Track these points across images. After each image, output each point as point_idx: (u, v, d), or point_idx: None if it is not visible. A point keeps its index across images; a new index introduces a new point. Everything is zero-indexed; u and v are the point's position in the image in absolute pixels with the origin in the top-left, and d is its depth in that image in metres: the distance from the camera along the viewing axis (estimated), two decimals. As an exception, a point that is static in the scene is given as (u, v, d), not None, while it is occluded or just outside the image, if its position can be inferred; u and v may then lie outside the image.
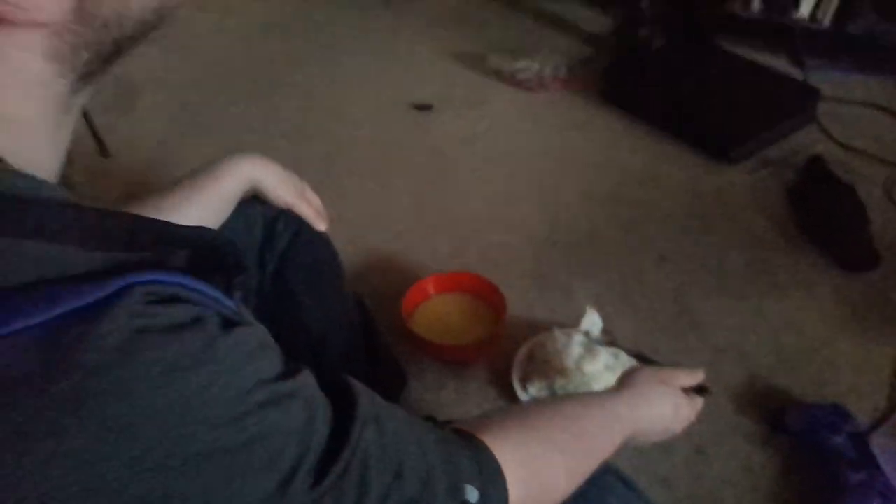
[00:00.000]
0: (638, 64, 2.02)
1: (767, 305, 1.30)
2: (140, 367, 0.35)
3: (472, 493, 0.51)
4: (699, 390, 0.85)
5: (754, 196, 1.56)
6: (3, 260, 0.35)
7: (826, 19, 1.99)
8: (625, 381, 0.79)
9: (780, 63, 1.97)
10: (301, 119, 1.88)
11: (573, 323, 1.20)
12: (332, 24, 2.32)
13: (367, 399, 0.48)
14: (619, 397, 0.73)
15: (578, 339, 1.19)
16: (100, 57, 0.41)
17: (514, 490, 0.55)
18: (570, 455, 0.63)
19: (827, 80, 1.89)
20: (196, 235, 0.41)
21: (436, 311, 1.32)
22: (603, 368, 1.16)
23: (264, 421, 0.39)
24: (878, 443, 1.05)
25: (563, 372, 1.16)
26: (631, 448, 0.73)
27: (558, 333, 1.21)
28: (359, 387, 0.49)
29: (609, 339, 1.14)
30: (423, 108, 1.91)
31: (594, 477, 0.74)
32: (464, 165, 1.73)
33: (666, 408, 0.76)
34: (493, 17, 2.35)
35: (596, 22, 2.28)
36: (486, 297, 1.32)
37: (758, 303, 1.31)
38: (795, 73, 1.93)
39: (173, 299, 0.37)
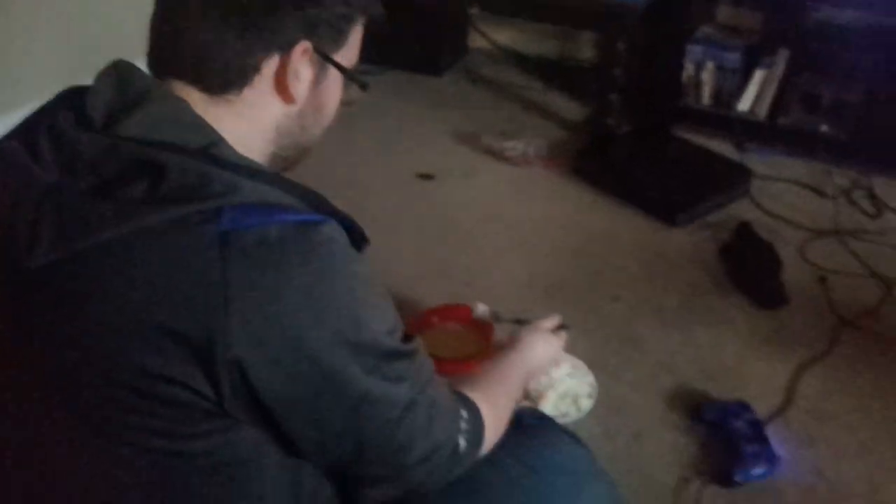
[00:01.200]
0: (606, 146, 2.39)
1: (697, 334, 1.65)
2: (342, 256, 0.67)
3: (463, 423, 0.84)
4: (561, 328, 1.22)
5: (694, 252, 1.92)
6: (248, 190, 0.64)
7: (762, 113, 2.39)
8: (511, 340, 1.14)
9: (724, 147, 2.36)
10: (319, 185, 2.23)
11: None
12: (348, 104, 2.71)
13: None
14: (516, 354, 1.09)
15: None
16: (289, 150, 0.79)
17: (488, 431, 0.89)
18: (507, 401, 0.98)
19: (762, 162, 2.28)
20: (350, 218, 0.71)
21: (437, 335, 1.65)
22: (565, 375, 1.50)
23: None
24: (773, 430, 1.39)
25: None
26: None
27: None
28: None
29: (494, 315, 1.49)
30: (427, 177, 2.28)
31: (552, 432, 1.09)
32: (461, 226, 2.07)
33: (542, 347, 1.14)
34: (486, 103, 2.75)
35: (573, 110, 2.69)
36: (478, 325, 1.64)
37: (689, 332, 1.66)
38: (736, 155, 2.33)
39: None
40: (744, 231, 1.94)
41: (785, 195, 2.15)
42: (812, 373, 1.54)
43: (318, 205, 0.70)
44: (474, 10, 2.55)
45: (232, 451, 0.67)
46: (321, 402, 0.67)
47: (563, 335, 1.21)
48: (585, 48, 3.00)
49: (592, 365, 1.53)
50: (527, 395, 1.46)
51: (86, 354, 0.64)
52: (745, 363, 1.58)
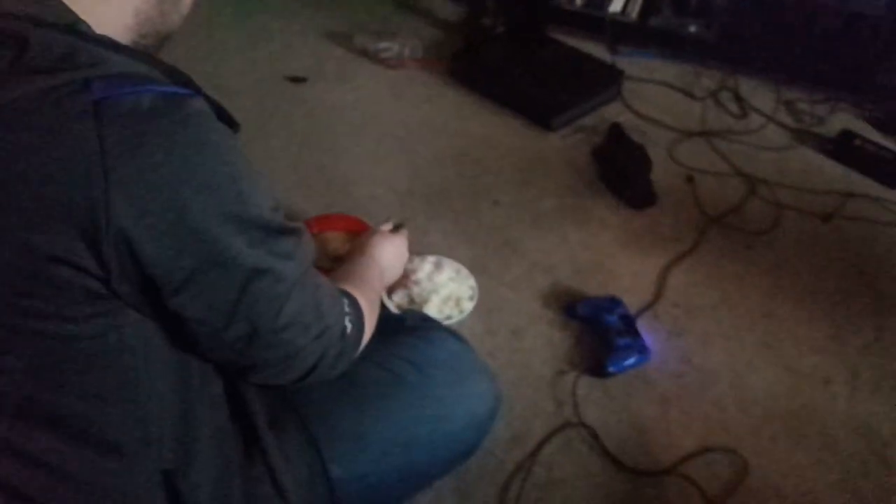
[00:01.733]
0: (482, 48, 2.36)
1: (570, 234, 1.69)
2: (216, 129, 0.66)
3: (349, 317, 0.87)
4: (397, 228, 1.32)
5: (568, 156, 1.94)
6: (116, 62, 0.63)
7: (634, 14, 2.40)
8: (360, 247, 1.21)
9: (597, 49, 2.38)
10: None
11: (426, 251, 1.54)
12: (208, 2, 2.52)
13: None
14: (367, 257, 1.17)
15: (429, 259, 1.53)
16: (149, 38, 0.75)
17: (367, 320, 0.92)
18: (373, 296, 1.03)
19: (633, 64, 2.31)
20: (218, 102, 0.70)
21: (318, 245, 1.61)
22: (447, 279, 1.50)
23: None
24: (643, 323, 1.45)
25: (417, 283, 1.49)
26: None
27: (415, 257, 1.54)
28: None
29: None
30: (298, 80, 2.17)
31: (434, 331, 1.11)
32: (335, 131, 2.00)
33: (389, 247, 1.22)
34: (358, 3, 2.63)
35: (447, 10, 2.61)
36: (359, 233, 1.61)
37: (563, 233, 1.69)
38: (608, 57, 2.35)
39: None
40: (615, 133, 1.98)
41: (655, 97, 2.20)
42: (680, 268, 1.61)
43: (186, 82, 0.68)
44: None
45: (118, 336, 0.66)
46: (209, 277, 0.67)
47: (405, 231, 1.31)
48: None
49: (473, 268, 1.54)
50: (411, 300, 1.47)
51: None
52: (616, 261, 1.63)
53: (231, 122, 0.71)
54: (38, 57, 0.60)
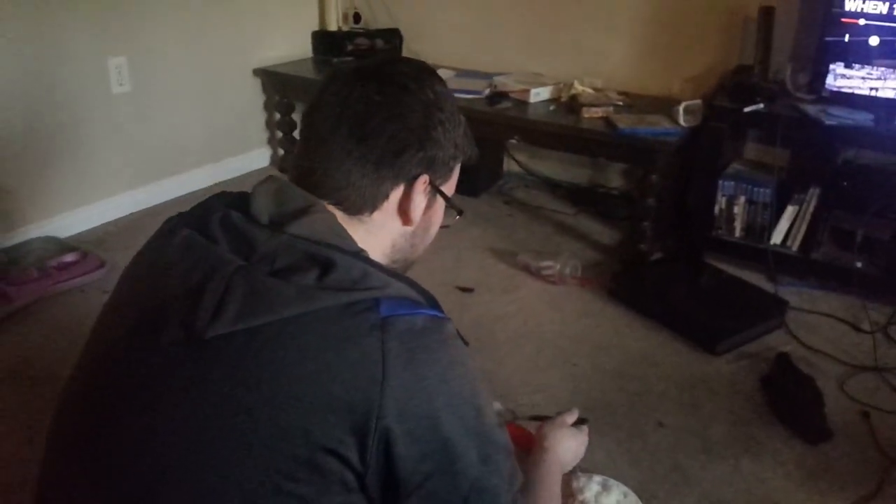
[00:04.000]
0: (639, 271, 2.47)
1: (743, 465, 1.63)
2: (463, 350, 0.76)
3: None
4: (581, 422, 1.27)
5: (734, 382, 1.93)
6: (396, 287, 0.76)
7: (794, 246, 2.46)
8: (538, 437, 1.19)
9: (756, 278, 2.42)
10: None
11: (590, 468, 1.54)
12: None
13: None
14: (550, 455, 1.14)
15: (596, 478, 1.52)
16: (399, 262, 0.91)
17: None
18: None
19: (795, 294, 2.33)
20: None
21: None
22: (615, 503, 1.48)
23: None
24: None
25: (584, 503, 1.48)
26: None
27: (581, 474, 1.54)
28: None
29: (511, 413, 1.46)
30: (466, 290, 2.33)
31: None
32: (498, 338, 2.11)
33: (569, 442, 1.20)
34: (521, 224, 2.85)
35: (604, 234, 2.78)
36: (524, 443, 1.63)
37: (735, 463, 1.64)
38: (769, 286, 2.38)
39: None
40: (783, 363, 1.96)
41: (821, 328, 2.18)
42: (864, 512, 1.52)
43: (436, 304, 0.81)
44: (514, 140, 2.67)
45: None
46: (439, 484, 0.73)
47: (585, 429, 1.27)
48: (614, 176, 3.13)
49: (640, 493, 1.50)
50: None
51: (255, 420, 0.69)
52: (792, 498, 1.55)
53: (464, 341, 0.82)
54: (339, 277, 0.73)
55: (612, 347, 2.08)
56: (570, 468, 1.23)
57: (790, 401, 1.81)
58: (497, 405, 1.56)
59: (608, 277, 2.40)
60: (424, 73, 0.89)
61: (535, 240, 2.71)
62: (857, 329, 2.17)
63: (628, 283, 2.36)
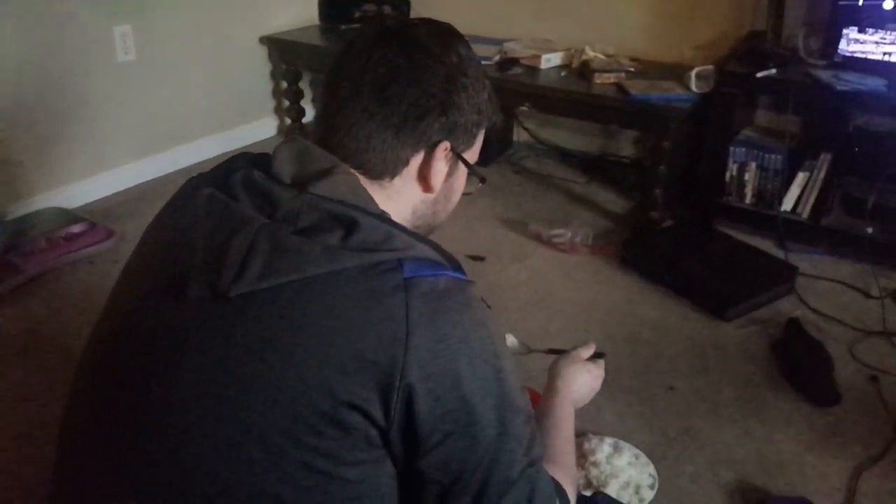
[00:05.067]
0: (650, 238, 2.47)
1: (752, 427, 1.66)
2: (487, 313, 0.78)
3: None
4: (597, 356, 1.21)
5: (744, 347, 1.95)
6: (420, 249, 0.76)
7: (805, 213, 2.46)
8: (552, 373, 1.15)
9: (766, 244, 2.43)
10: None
11: (602, 431, 1.57)
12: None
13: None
14: (562, 395, 1.11)
15: (608, 440, 1.55)
16: (421, 229, 0.90)
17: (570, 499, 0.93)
18: (571, 450, 1.04)
19: (805, 260, 2.33)
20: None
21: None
22: (626, 464, 1.50)
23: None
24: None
25: (596, 465, 1.50)
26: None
27: (593, 437, 1.57)
28: None
29: (525, 347, 1.41)
30: (477, 259, 2.35)
31: None
32: (509, 306, 2.12)
33: (584, 377, 1.15)
34: (531, 193, 2.85)
35: (615, 203, 2.78)
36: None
37: (745, 426, 1.66)
38: (779, 253, 2.38)
39: None
40: (794, 328, 1.97)
41: (830, 294, 2.19)
42: (872, 472, 1.54)
43: (459, 267, 0.81)
44: (524, 108, 2.65)
45: (375, 483, 0.73)
46: (458, 444, 0.74)
47: (601, 363, 1.21)
48: (625, 144, 3.12)
49: (651, 455, 1.54)
50: (588, 482, 1.47)
51: (280, 375, 0.70)
52: (802, 459, 1.57)
53: (486, 304, 0.82)
54: (364, 237, 0.73)
55: (624, 314, 2.09)
56: (583, 403, 1.17)
57: (800, 365, 1.82)
58: (511, 339, 1.52)
59: (619, 245, 2.41)
60: (449, 35, 0.88)
61: (546, 209, 2.71)
62: (867, 295, 2.18)
63: (639, 250, 2.37)
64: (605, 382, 1.18)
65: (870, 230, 2.32)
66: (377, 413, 0.70)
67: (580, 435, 1.57)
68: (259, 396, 0.70)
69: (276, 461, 0.70)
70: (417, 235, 0.80)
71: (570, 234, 2.43)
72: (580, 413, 1.67)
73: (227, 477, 0.71)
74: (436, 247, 0.81)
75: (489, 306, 0.82)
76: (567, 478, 0.96)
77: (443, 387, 0.72)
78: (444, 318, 0.73)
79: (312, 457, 0.70)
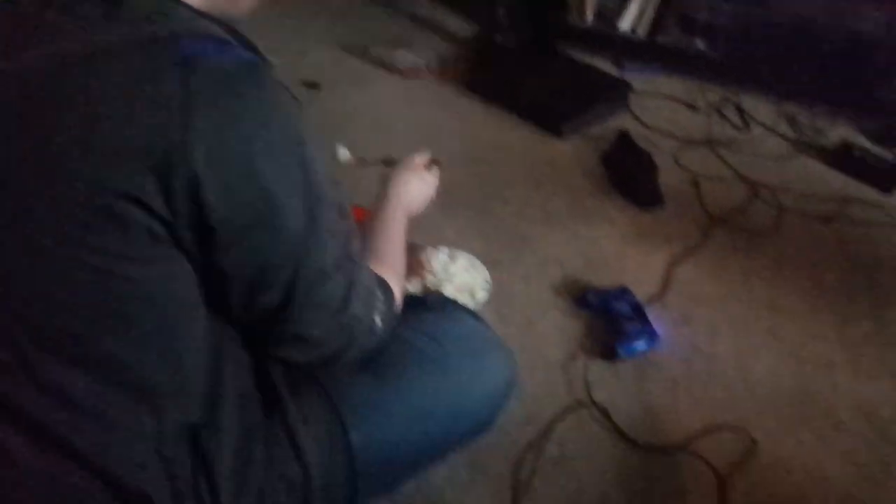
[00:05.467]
0: (494, 61, 2.44)
1: (580, 231, 1.74)
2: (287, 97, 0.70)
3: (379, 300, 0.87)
4: (433, 163, 1.21)
5: (577, 161, 2.01)
6: (201, 24, 0.68)
7: (642, 32, 2.50)
8: (386, 183, 1.14)
9: (606, 65, 2.46)
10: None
11: (442, 244, 1.59)
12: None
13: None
14: (394, 204, 1.10)
15: (444, 249, 1.58)
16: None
17: (397, 300, 0.93)
18: (401, 257, 1.05)
19: (640, 78, 2.39)
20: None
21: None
22: (461, 270, 1.54)
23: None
24: (652, 312, 1.50)
25: (432, 272, 1.53)
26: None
27: (428, 247, 1.59)
28: None
29: (360, 160, 1.39)
30: (313, 85, 2.24)
31: (454, 309, 1.13)
32: (347, 133, 2.04)
33: (416, 184, 1.14)
34: (373, 16, 2.72)
35: (460, 26, 2.70)
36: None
37: (574, 230, 1.74)
38: (616, 72, 2.43)
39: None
40: (623, 140, 2.04)
41: (661, 109, 2.27)
42: (687, 263, 1.66)
43: (256, 50, 0.73)
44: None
45: (168, 285, 0.69)
46: (260, 237, 0.70)
47: (436, 170, 1.20)
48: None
49: (486, 261, 1.57)
50: (425, 289, 1.50)
51: (42, 167, 0.63)
52: (625, 255, 1.68)
53: (293, 97, 0.75)
54: (130, 9, 0.64)
55: (465, 136, 2.09)
56: (417, 211, 1.16)
57: (627, 172, 1.90)
58: (343, 150, 1.48)
59: (463, 69, 2.36)
60: None
61: (389, 32, 2.60)
62: (694, 108, 2.28)
63: (483, 73, 2.34)
64: (444, 198, 1.17)
65: (701, 46, 2.39)
66: (157, 204, 0.64)
67: (418, 248, 1.59)
68: (23, 198, 0.63)
69: (51, 263, 0.65)
70: (203, 13, 0.70)
71: (412, 58, 2.35)
72: (419, 229, 1.69)
73: (10, 283, 0.66)
74: (228, 28, 0.71)
75: (298, 100, 0.74)
76: (394, 277, 0.96)
77: (236, 175, 0.66)
78: (234, 101, 0.65)
79: (88, 254, 0.64)
